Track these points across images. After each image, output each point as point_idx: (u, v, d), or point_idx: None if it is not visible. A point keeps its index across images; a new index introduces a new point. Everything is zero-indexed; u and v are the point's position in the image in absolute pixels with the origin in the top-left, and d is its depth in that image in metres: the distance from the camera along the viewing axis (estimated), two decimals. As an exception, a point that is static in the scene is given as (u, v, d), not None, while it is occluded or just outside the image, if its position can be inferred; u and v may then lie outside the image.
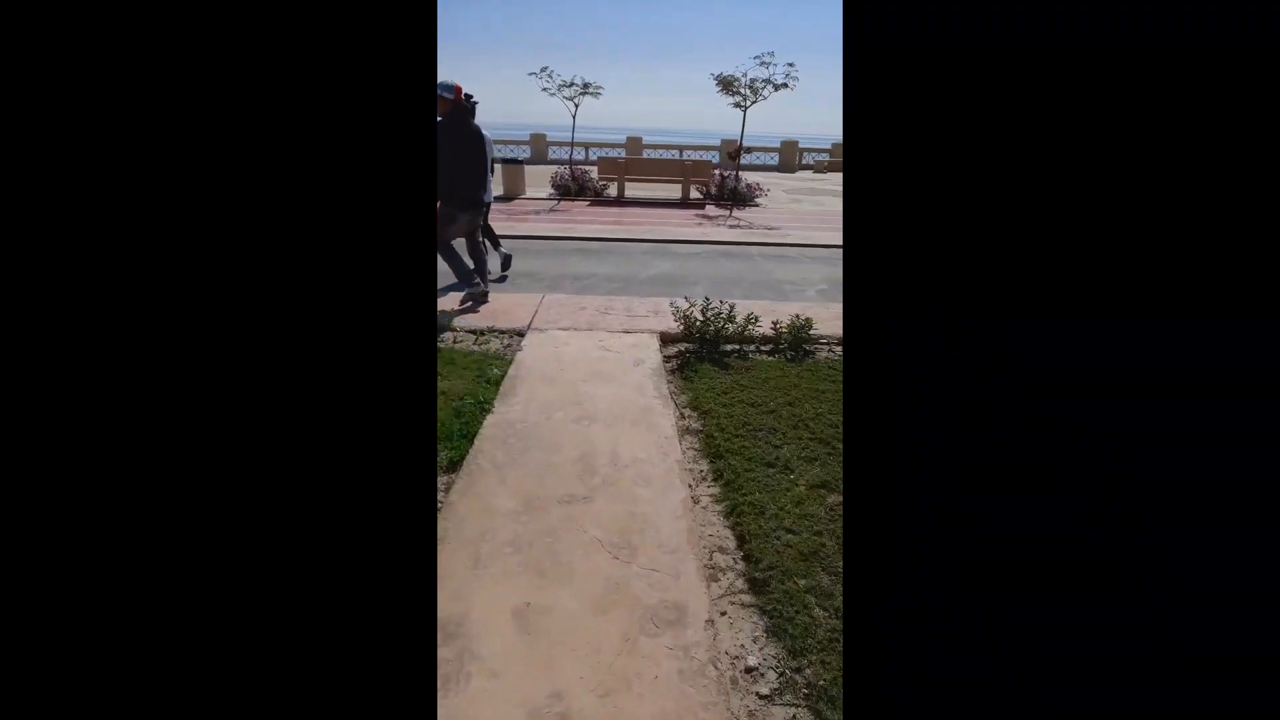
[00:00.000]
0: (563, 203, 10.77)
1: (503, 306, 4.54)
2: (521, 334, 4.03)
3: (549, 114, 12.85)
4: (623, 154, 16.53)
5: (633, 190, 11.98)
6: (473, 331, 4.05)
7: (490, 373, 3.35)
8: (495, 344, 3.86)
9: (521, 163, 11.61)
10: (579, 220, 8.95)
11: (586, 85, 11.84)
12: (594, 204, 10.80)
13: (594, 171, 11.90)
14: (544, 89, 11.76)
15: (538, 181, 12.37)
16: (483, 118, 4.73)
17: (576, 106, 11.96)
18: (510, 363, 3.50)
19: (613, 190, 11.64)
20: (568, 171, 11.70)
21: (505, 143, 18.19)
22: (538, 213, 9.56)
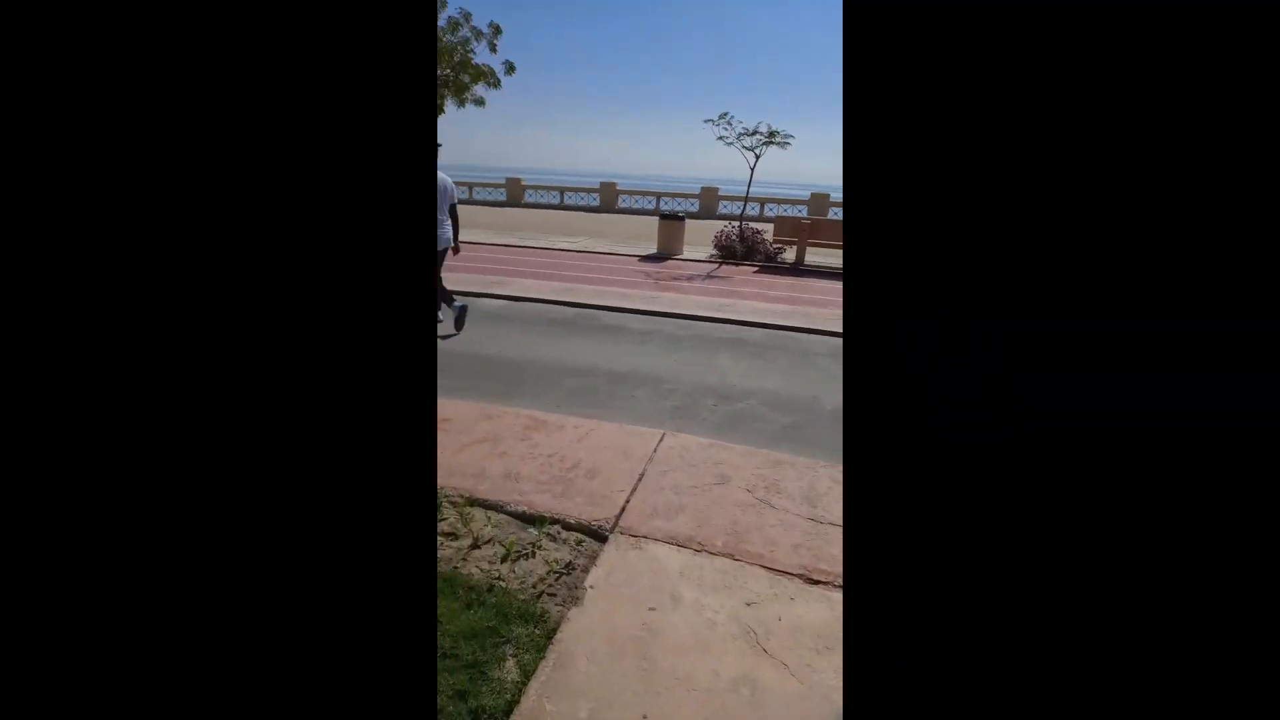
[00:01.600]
0: (724, 267, 8.93)
1: (589, 456, 2.69)
2: (602, 537, 2.13)
3: (729, 167, 11.35)
4: (805, 212, 14.45)
5: (814, 257, 9.78)
6: (516, 516, 2.24)
7: (487, 680, 1.46)
8: (540, 566, 1.98)
9: (683, 218, 10.09)
10: (740, 293, 7.00)
11: (772, 134, 10.06)
12: (762, 271, 8.80)
13: (769, 232, 9.96)
14: (720, 138, 10.23)
15: (700, 239, 10.72)
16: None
17: (757, 158, 10.23)
18: (546, 644, 1.60)
19: (789, 256, 9.56)
20: (734, 230, 9.88)
21: (673, 195, 17.13)
22: (690, 279, 7.80)
